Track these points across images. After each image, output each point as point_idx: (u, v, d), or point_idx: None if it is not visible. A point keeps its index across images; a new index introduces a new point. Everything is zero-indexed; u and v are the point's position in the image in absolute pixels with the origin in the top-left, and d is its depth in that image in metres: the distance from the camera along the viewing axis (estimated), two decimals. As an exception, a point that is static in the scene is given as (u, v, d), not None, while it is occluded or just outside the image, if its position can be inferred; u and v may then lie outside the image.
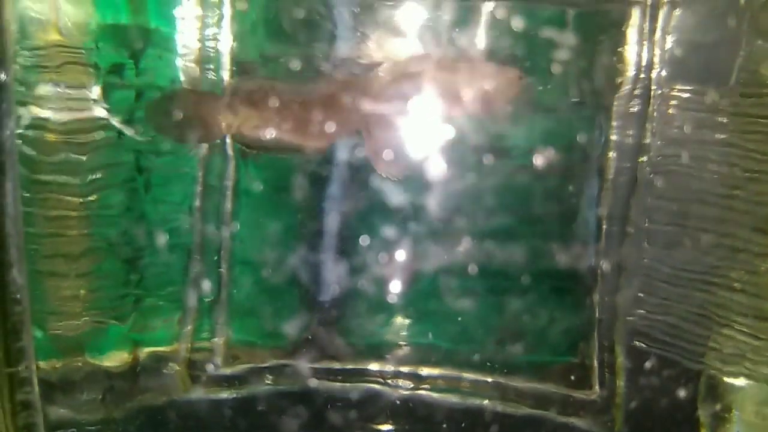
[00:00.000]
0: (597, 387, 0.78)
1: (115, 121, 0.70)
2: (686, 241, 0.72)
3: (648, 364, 0.73)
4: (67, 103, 0.66)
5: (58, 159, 0.66)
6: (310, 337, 0.80)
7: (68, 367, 0.68)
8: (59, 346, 0.67)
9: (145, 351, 0.76)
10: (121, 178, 0.73)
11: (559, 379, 0.79)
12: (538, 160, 0.72)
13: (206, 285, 0.78)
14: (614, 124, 0.75)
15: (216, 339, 0.80)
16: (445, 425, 0.76)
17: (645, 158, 0.74)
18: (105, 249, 0.72)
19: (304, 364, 0.79)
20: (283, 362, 0.80)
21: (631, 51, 0.74)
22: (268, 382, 0.79)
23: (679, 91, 0.72)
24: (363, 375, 0.80)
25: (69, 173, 0.67)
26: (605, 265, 0.76)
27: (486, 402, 0.78)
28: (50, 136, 0.64)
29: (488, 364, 0.79)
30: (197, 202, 0.77)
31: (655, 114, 0.73)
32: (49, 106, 0.63)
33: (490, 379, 0.79)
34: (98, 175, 0.70)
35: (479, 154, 0.72)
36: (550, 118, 0.75)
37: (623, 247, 0.76)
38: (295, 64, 0.72)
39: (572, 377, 0.79)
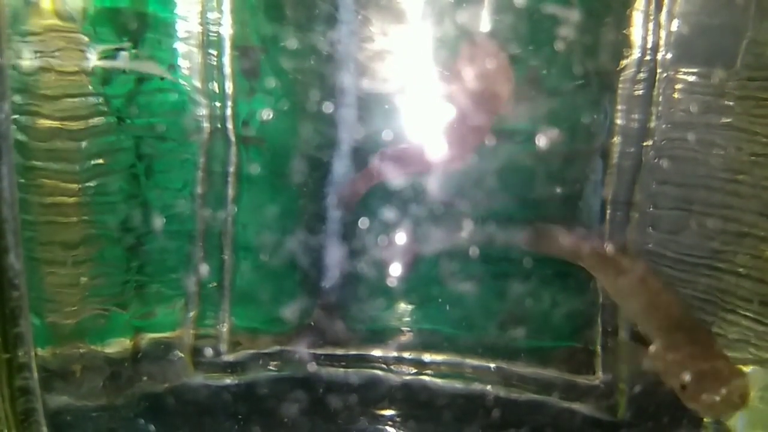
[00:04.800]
0: (600, 372, 0.78)
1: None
2: (691, 226, 0.72)
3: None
4: (64, 89, 0.65)
5: (54, 145, 0.65)
6: (312, 323, 0.80)
7: (68, 355, 0.68)
8: (58, 334, 0.67)
9: (147, 337, 0.76)
10: (121, 165, 0.73)
11: (562, 364, 0.79)
12: (542, 144, 0.71)
13: (208, 271, 0.78)
14: (619, 107, 0.75)
15: (219, 325, 0.80)
16: (447, 411, 0.76)
17: (650, 142, 0.74)
18: (105, 236, 0.72)
19: (306, 350, 0.79)
20: (286, 348, 0.80)
21: (636, 33, 0.73)
22: (271, 368, 0.79)
23: (685, 74, 0.71)
24: (365, 361, 0.80)
25: (65, 160, 0.67)
26: (609, 249, 0.76)
27: (489, 387, 0.78)
28: (46, 122, 0.64)
29: (491, 349, 0.79)
30: (199, 188, 0.77)
31: (660, 98, 0.73)
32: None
33: (492, 365, 0.79)
34: (96, 162, 0.69)
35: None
36: (555, 101, 0.74)
37: (627, 231, 0.75)
38: (300, 53, 0.72)
39: (575, 362, 0.79)
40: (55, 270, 0.68)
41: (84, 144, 0.68)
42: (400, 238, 0.72)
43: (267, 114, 0.76)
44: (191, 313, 0.78)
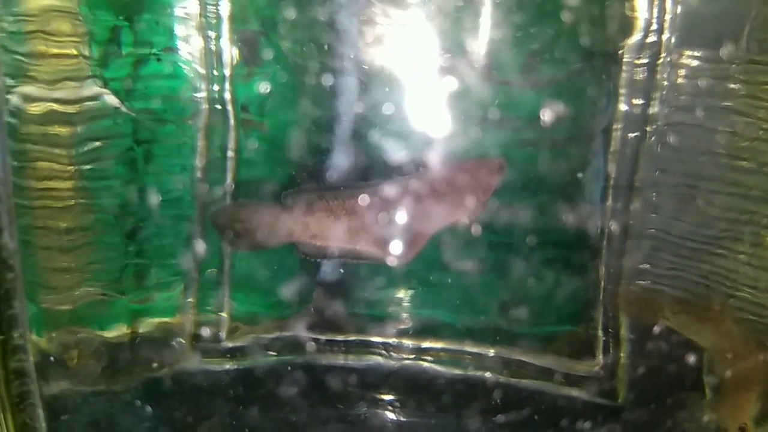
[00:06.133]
0: (600, 358, 0.78)
1: (111, 97, 0.69)
2: (693, 211, 0.72)
3: (652, 335, 0.73)
4: (60, 72, 0.65)
5: (49, 129, 0.65)
6: (312, 308, 0.80)
7: (66, 340, 0.68)
8: (55, 319, 0.67)
9: (146, 322, 0.76)
10: (119, 149, 0.72)
11: (562, 350, 0.79)
12: (543, 128, 0.71)
13: (208, 256, 0.78)
14: (621, 91, 0.74)
15: (218, 311, 0.80)
16: (447, 396, 0.76)
17: (652, 126, 0.73)
18: (103, 220, 0.72)
19: (306, 336, 0.79)
20: (286, 334, 0.80)
21: (639, 16, 0.72)
22: (271, 353, 0.79)
23: (689, 57, 0.71)
24: (365, 346, 0.80)
25: (61, 144, 0.66)
26: (610, 235, 0.76)
27: (488, 373, 0.78)
28: (41, 106, 0.64)
29: (491, 334, 0.79)
30: (198, 173, 0.76)
31: (664, 82, 0.72)
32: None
33: (492, 351, 0.79)
34: (93, 146, 0.69)
35: (482, 120, 0.71)
36: (558, 83, 0.74)
37: (629, 216, 0.75)
38: (297, 31, 0.71)
39: (575, 348, 0.79)
40: (52, 255, 0.67)
41: (80, 128, 0.68)
42: (401, 218, 0.72)
43: (265, 87, 0.75)
44: (190, 298, 0.78)
